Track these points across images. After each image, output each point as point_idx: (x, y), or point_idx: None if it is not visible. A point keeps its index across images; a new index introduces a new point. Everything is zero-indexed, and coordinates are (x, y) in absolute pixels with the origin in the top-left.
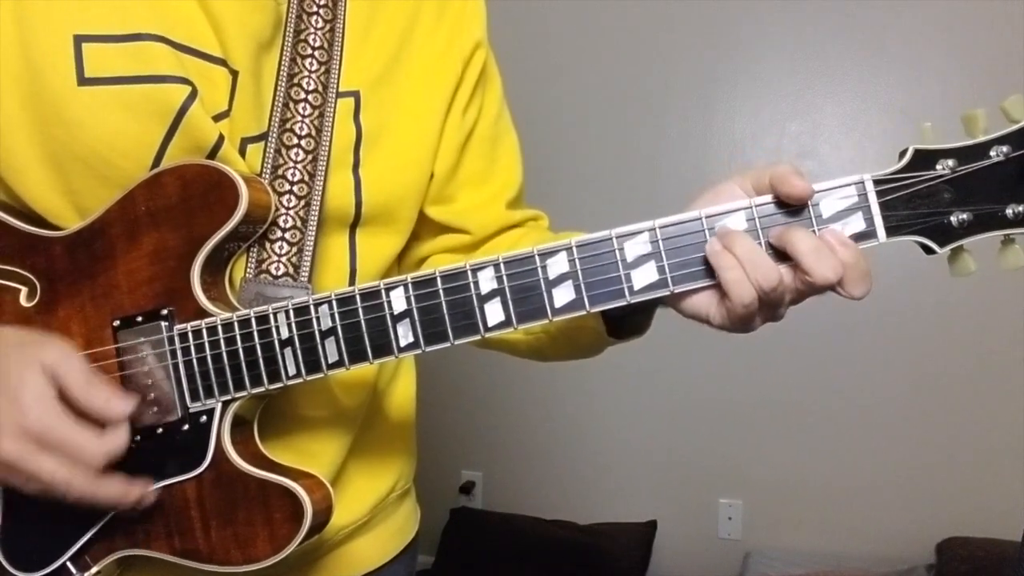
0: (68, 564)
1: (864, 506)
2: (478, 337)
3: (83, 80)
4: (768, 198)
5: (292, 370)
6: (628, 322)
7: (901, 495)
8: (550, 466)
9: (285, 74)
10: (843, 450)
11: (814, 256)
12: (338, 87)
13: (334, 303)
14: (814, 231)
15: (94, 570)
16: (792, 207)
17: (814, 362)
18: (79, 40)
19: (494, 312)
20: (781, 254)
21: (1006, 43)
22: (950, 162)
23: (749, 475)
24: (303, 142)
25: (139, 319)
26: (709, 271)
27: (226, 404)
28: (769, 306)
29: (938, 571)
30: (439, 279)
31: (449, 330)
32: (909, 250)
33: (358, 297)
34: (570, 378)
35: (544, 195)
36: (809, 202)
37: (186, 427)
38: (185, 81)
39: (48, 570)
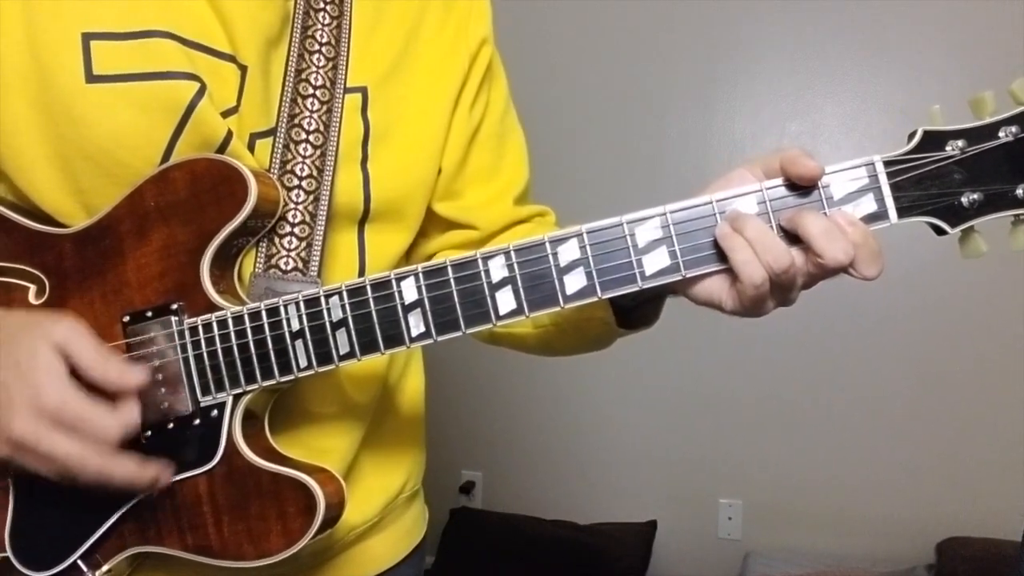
0: (79, 562)
1: (864, 506)
2: (490, 325)
3: (91, 77)
4: (778, 181)
5: (303, 362)
6: (638, 312)
7: (901, 495)
8: (550, 466)
9: (293, 70)
10: (843, 450)
11: (825, 238)
12: (345, 83)
13: (345, 294)
14: (824, 213)
15: (105, 568)
16: (802, 189)
17: (814, 362)
18: (87, 38)
19: (505, 300)
20: (793, 237)
21: (1006, 43)
22: (960, 143)
23: (749, 475)
24: (311, 137)
25: (149, 314)
26: (721, 255)
27: (237, 398)
28: (781, 289)
29: (938, 571)
30: (450, 268)
31: (461, 319)
32: (909, 250)
33: (369, 288)
34: (570, 378)
35: (544, 196)
36: (820, 184)
37: (197, 421)
38: (194, 77)
39: (59, 568)
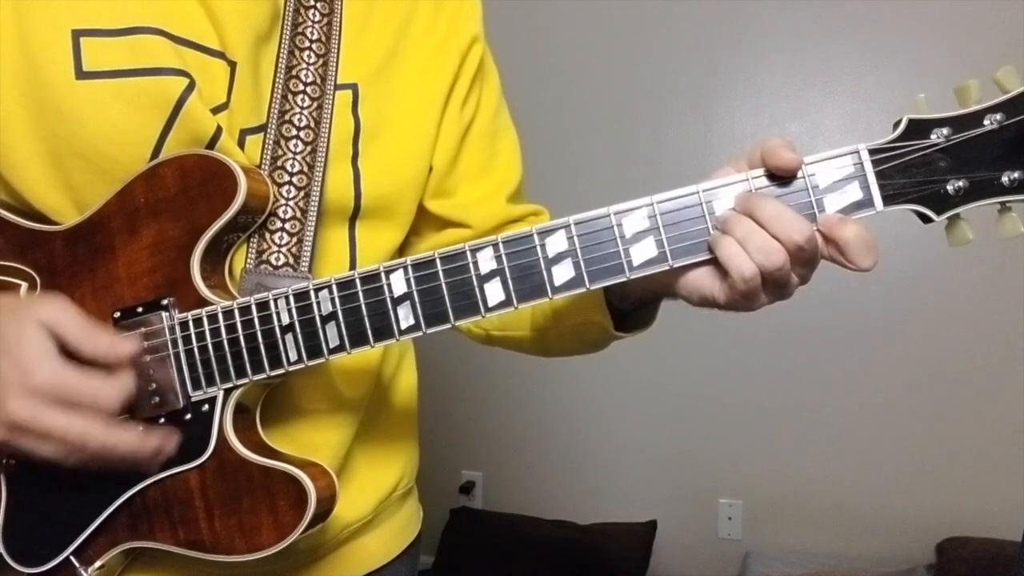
0: (71, 558)
1: (864, 506)
2: (478, 317)
3: (81, 74)
4: (763, 171)
5: (293, 355)
6: (635, 316)
7: (901, 495)
8: (550, 466)
9: (283, 66)
10: (843, 450)
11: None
12: (336, 80)
13: (334, 287)
14: (811, 201)
15: (98, 564)
16: (787, 178)
17: (814, 362)
18: (77, 34)
19: (494, 292)
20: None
21: (1006, 43)
22: (944, 131)
23: (749, 475)
24: (302, 133)
25: (139, 310)
26: (707, 245)
27: (228, 392)
28: (775, 284)
29: (938, 571)
30: (438, 260)
31: (449, 311)
32: (909, 250)
33: (358, 281)
34: (570, 378)
35: (543, 196)
36: (806, 173)
37: (188, 416)
38: (183, 73)
39: (51, 564)
